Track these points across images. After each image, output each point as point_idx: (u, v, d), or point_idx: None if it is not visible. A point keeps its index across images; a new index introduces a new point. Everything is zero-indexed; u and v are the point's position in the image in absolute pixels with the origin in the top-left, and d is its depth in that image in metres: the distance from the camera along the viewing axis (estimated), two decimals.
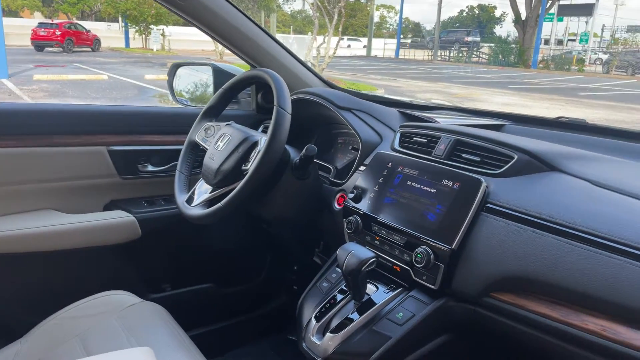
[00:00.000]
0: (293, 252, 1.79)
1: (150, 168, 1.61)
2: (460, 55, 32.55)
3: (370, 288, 1.12)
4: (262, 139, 1.25)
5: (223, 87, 1.42)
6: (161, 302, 1.32)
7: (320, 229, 1.49)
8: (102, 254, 1.54)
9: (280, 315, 1.99)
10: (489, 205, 0.99)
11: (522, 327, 0.92)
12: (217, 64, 1.82)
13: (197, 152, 1.43)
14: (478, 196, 1.00)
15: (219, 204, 1.20)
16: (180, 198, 1.35)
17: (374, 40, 35.67)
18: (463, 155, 1.12)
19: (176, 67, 1.89)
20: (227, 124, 1.37)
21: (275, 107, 1.19)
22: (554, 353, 0.90)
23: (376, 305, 1.07)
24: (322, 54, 13.69)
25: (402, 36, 39.74)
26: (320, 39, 13.86)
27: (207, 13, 1.48)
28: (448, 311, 1.02)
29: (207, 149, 1.35)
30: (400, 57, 34.82)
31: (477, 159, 1.09)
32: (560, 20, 32.43)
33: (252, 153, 1.25)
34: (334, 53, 13.84)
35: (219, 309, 1.86)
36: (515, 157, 1.04)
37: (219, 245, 1.81)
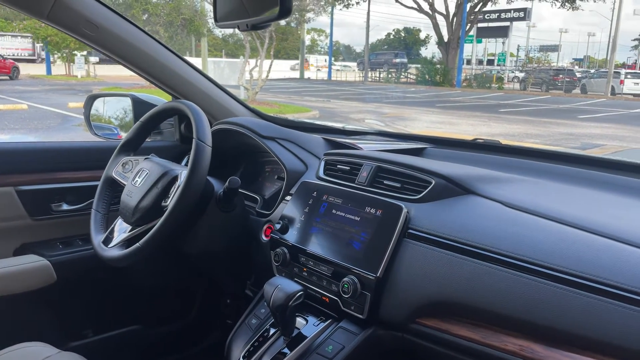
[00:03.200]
0: (224, 285, 1.73)
1: (65, 207, 1.52)
2: (390, 76, 33.70)
3: (299, 322, 1.10)
4: (183, 173, 1.21)
5: (140, 120, 1.37)
6: (83, 350, 1.22)
7: (250, 261, 1.45)
8: (14, 303, 1.41)
9: (215, 352, 1.91)
10: (410, 230, 1.01)
11: (447, 350, 0.93)
12: (136, 94, 1.75)
13: (114, 188, 1.36)
14: (399, 222, 1.01)
15: (137, 244, 1.14)
16: (97, 239, 1.27)
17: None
18: (384, 181, 1.14)
19: (92, 99, 1.80)
20: (146, 158, 1.31)
21: (194, 140, 1.16)
22: None
23: (306, 340, 1.05)
24: (255, 77, 13.69)
25: (333, 58, 40.66)
26: (252, 62, 13.86)
27: (121, 44, 1.43)
28: (377, 340, 1.02)
29: (124, 185, 1.28)
30: (332, 78, 35.55)
31: (398, 185, 1.11)
32: (480, 41, 34.73)
33: (172, 188, 1.20)
34: (267, 76, 13.88)
35: (149, 352, 1.75)
36: (433, 182, 1.06)
37: (144, 283, 1.71)
